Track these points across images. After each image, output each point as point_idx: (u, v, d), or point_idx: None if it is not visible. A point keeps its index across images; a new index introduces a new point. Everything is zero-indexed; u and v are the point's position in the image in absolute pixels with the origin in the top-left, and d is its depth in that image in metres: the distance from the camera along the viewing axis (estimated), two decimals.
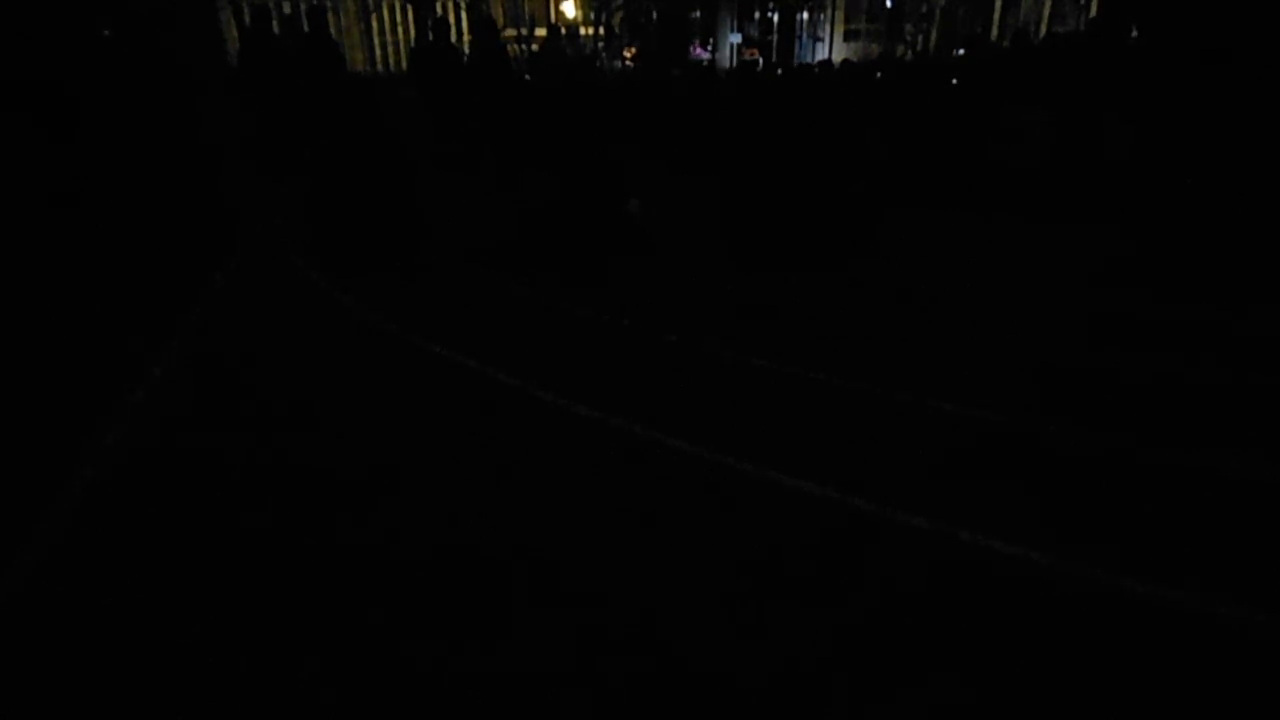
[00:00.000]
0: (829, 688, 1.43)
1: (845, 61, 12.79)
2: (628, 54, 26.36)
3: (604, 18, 28.01)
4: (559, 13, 29.02)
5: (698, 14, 29.96)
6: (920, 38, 28.00)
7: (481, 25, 8.04)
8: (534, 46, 20.61)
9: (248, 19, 7.75)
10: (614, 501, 2.06)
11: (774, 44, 29.49)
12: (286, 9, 23.30)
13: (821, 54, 27.14)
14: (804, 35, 29.87)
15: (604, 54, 25.61)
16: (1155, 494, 2.08)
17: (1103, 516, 1.98)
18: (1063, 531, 1.90)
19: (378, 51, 28.86)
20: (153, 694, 1.44)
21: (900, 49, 26.21)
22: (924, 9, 28.18)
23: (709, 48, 29.20)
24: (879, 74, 9.91)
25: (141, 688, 1.45)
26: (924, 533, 1.90)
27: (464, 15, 28.05)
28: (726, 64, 25.83)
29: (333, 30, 8.90)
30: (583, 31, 28.91)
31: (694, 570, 1.78)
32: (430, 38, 7.78)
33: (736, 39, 29.41)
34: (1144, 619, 1.61)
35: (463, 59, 7.39)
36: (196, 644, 1.55)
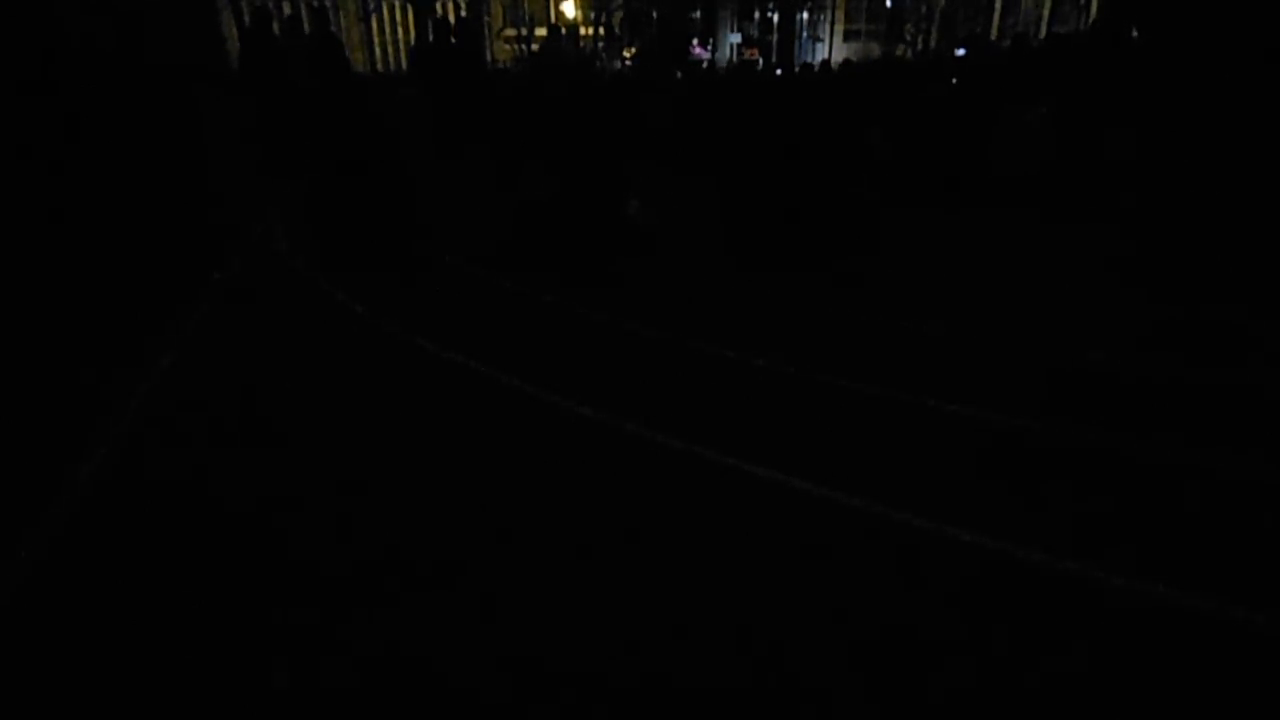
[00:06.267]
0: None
1: (845, 61, 12.79)
2: (628, 54, 26.35)
3: (604, 18, 28.00)
4: (559, 13, 28.99)
5: (698, 14, 29.97)
6: (920, 38, 28.00)
7: (459, 24, 8.10)
8: (534, 46, 20.59)
9: (248, 20, 7.75)
10: (613, 501, 2.06)
11: (774, 44, 29.48)
12: (286, 9, 23.28)
13: (821, 54, 27.13)
14: (804, 35, 29.85)
15: (604, 54, 25.60)
16: (1156, 494, 2.08)
17: (1106, 517, 1.98)
18: (1059, 531, 1.91)
19: (378, 51, 28.84)
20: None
21: (900, 49, 26.21)
22: (924, 9, 28.18)
23: (709, 48, 29.20)
24: (879, 74, 9.91)
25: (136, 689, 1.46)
26: (923, 532, 1.90)
27: (465, 15, 28.01)
28: (726, 64, 25.81)
29: (332, 30, 8.89)
30: (583, 31, 28.88)
31: (689, 570, 1.78)
32: (430, 38, 7.79)
33: (736, 39, 29.44)
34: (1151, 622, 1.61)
35: (462, 59, 7.41)
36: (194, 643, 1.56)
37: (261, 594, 1.70)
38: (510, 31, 27.82)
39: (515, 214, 4.95)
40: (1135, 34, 5.80)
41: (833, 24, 29.68)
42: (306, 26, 8.12)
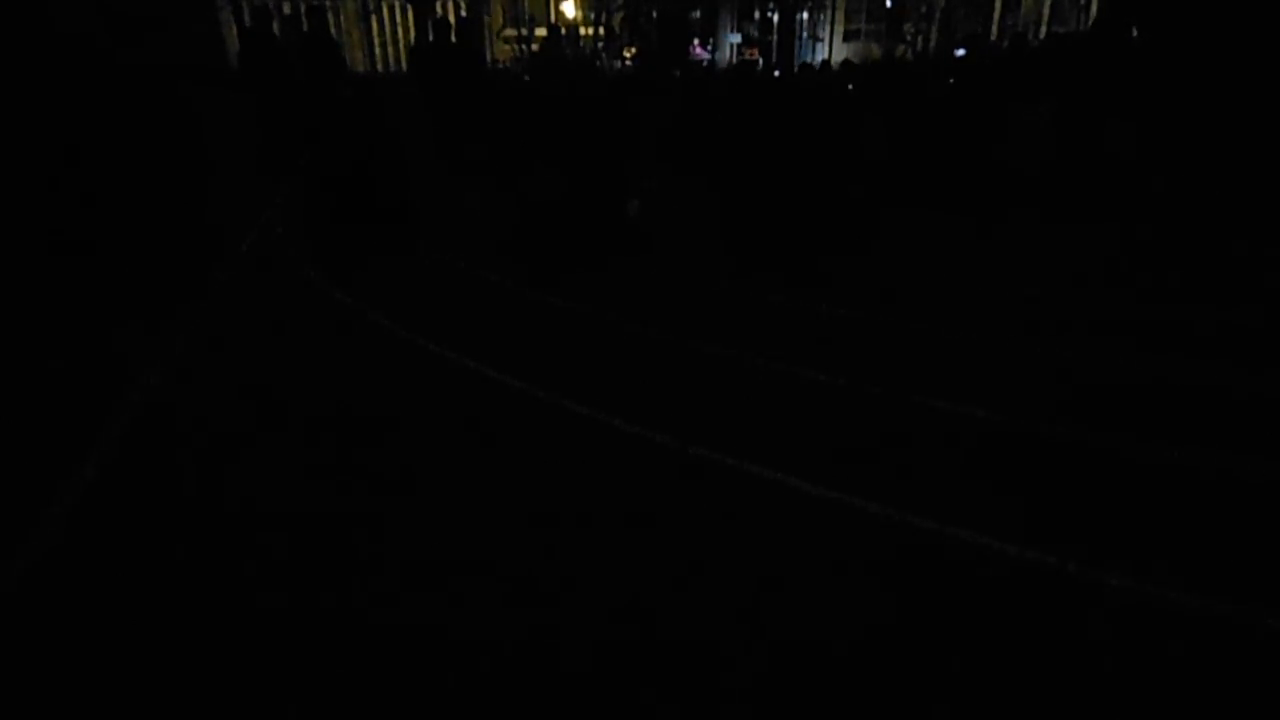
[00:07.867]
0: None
1: (845, 62, 12.77)
2: (628, 54, 26.32)
3: (604, 18, 27.95)
4: (559, 13, 28.93)
5: (698, 14, 29.92)
6: (920, 38, 27.97)
7: (459, 24, 8.12)
8: (534, 46, 20.58)
9: (248, 19, 7.75)
10: (609, 499, 2.06)
11: (774, 44, 29.44)
12: (286, 9, 23.27)
13: (821, 54, 27.09)
14: (804, 35, 29.81)
15: (604, 54, 25.59)
16: (1154, 494, 2.08)
17: (1101, 516, 1.98)
18: (1059, 531, 1.90)
19: (378, 51, 28.79)
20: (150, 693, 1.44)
21: (900, 49, 26.16)
22: (924, 9, 28.14)
23: (709, 48, 29.17)
24: (878, 74, 9.88)
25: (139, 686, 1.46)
26: (923, 531, 1.90)
27: (465, 15, 27.98)
28: (726, 64, 25.77)
29: (333, 30, 8.90)
30: (583, 31, 28.84)
31: (682, 571, 1.78)
32: (430, 38, 7.78)
33: (736, 39, 29.38)
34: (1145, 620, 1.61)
35: (462, 59, 7.39)
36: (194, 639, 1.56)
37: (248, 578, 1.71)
38: (510, 31, 27.76)
39: (520, 215, 4.95)
40: (1135, 33, 5.80)
41: (833, 24, 29.58)
42: (306, 26, 8.08)
